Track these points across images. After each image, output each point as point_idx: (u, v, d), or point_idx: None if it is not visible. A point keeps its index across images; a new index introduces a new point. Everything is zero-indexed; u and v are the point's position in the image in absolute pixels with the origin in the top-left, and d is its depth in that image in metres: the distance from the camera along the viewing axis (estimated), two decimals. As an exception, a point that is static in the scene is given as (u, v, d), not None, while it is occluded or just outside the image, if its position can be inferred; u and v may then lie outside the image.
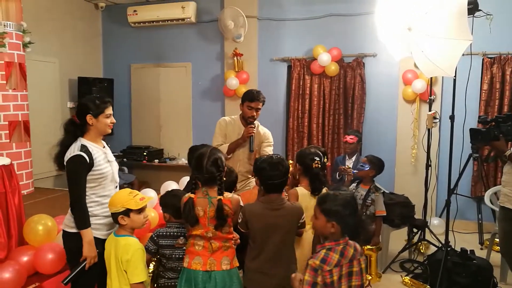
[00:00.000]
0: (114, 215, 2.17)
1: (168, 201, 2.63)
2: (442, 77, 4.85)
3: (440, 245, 3.73)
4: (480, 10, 3.22)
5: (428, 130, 3.94)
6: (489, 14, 3.22)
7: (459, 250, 3.44)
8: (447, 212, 3.47)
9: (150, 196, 2.40)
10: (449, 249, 3.41)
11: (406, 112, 5.14)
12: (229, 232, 2.20)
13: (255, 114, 3.39)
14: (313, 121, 5.53)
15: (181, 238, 2.48)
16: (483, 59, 4.80)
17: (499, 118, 2.86)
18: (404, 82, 5.09)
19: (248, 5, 5.60)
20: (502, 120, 2.84)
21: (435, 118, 3.87)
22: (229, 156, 3.34)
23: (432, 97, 4.04)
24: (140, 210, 2.19)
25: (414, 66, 4.96)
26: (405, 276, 3.71)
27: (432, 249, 4.09)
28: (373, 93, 5.35)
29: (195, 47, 6.14)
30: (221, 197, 2.11)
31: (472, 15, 3.18)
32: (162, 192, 4.07)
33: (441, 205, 4.49)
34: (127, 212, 2.15)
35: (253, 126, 3.40)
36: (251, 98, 3.37)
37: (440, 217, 4.72)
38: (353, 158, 4.43)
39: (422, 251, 4.21)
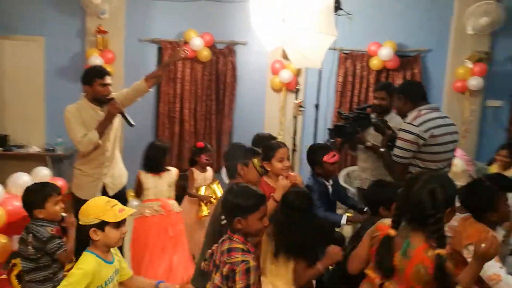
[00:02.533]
0: (85, 228, 1.80)
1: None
2: (306, 68, 5.23)
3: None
4: (342, 9, 3.55)
5: (294, 117, 4.23)
6: (349, 14, 3.59)
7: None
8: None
9: (129, 208, 1.93)
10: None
11: (274, 100, 5.42)
12: None
13: (110, 89, 3.02)
14: (185, 106, 5.43)
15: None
16: (339, 54, 5.34)
17: (360, 114, 3.14)
18: (272, 71, 5.35)
19: (113, -22, 5.14)
20: (360, 114, 3.14)
21: (301, 106, 4.18)
22: (101, 142, 3.01)
23: (298, 87, 4.33)
24: (119, 224, 1.83)
25: (281, 57, 5.24)
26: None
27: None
28: (244, 81, 5.49)
29: (50, 19, 5.39)
30: (442, 251, 1.47)
31: (335, 13, 3.49)
32: (10, 185, 3.51)
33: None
34: (101, 225, 1.79)
35: (116, 100, 3.00)
36: (101, 74, 2.97)
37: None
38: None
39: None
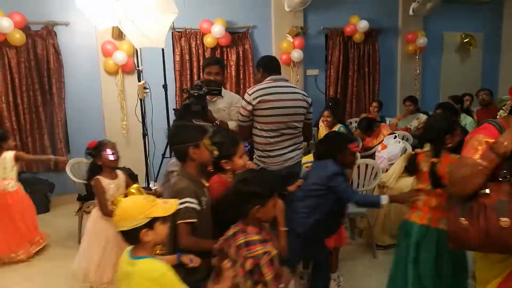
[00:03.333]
0: (134, 232, 1.57)
1: None
2: (141, 48, 5.01)
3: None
4: (176, -14, 3.50)
5: (140, 100, 4.05)
6: (184, -10, 3.56)
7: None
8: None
9: (172, 199, 1.74)
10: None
11: (111, 84, 5.05)
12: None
13: None
14: (0, 100, 4.60)
15: None
16: (172, 33, 5.27)
17: (214, 90, 3.09)
18: (104, 53, 4.94)
19: None
20: (213, 91, 3.14)
21: (145, 88, 4.01)
22: None
23: (140, 68, 4.14)
24: (165, 218, 1.66)
25: (112, 37, 4.90)
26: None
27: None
28: (72, 66, 4.95)
29: None
30: (435, 160, 2.26)
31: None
32: None
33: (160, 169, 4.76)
34: (151, 224, 1.59)
35: None
36: None
37: (155, 181, 5.01)
38: None
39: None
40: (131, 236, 1.60)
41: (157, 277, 1.58)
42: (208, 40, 5.34)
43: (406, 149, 4.10)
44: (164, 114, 3.94)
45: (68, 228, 4.11)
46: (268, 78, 2.94)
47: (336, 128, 4.48)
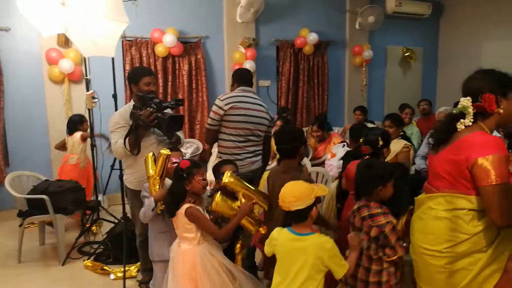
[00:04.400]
0: (306, 210, 1.91)
1: None
2: (88, 57, 4.84)
3: (117, 220, 3.89)
4: (127, -5, 3.44)
5: (89, 110, 3.91)
6: (135, 0, 3.51)
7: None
8: (121, 187, 3.58)
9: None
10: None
11: (56, 93, 4.83)
12: None
13: None
14: None
15: None
16: (122, 42, 5.15)
17: (179, 101, 3.02)
18: (48, 61, 4.73)
19: None
20: (178, 101, 3.08)
21: (94, 97, 3.88)
22: None
23: (88, 77, 4.01)
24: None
25: (57, 45, 4.71)
26: (87, 260, 3.65)
27: (107, 226, 4.17)
28: (13, 74, 4.67)
29: None
30: None
31: (122, -1, 3.34)
32: None
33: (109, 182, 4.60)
34: (315, 203, 1.95)
35: None
36: None
37: (104, 194, 4.83)
38: None
39: (95, 231, 4.20)
40: (302, 214, 1.90)
41: (330, 247, 1.90)
42: (160, 49, 5.27)
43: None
44: (114, 125, 3.83)
45: (5, 247, 3.85)
46: (239, 88, 3.18)
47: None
